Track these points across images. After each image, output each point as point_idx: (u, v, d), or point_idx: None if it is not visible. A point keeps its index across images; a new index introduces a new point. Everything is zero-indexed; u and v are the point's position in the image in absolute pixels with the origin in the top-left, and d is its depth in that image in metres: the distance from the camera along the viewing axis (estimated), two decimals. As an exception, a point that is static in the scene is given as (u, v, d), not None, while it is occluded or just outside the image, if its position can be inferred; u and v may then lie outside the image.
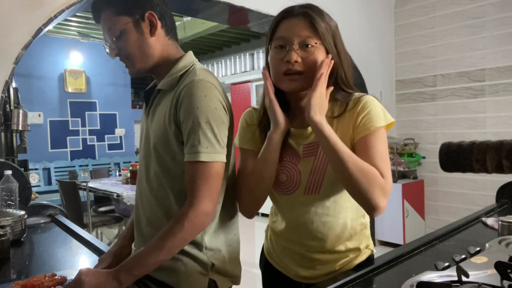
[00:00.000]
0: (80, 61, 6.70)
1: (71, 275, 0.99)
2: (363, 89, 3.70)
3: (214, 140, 0.94)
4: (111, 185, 4.09)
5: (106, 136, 7.04)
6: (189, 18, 5.81)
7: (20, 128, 2.42)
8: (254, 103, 6.10)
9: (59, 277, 0.99)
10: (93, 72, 6.83)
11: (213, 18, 3.42)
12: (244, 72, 6.44)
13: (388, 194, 0.93)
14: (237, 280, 1.10)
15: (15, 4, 2.11)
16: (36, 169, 6.16)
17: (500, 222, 1.11)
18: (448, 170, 1.69)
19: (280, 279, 1.13)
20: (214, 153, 0.94)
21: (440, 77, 4.10)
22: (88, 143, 6.85)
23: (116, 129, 7.16)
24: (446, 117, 4.09)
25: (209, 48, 7.43)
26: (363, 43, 4.05)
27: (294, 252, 1.09)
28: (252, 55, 6.40)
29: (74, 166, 6.55)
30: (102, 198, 4.34)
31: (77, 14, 4.86)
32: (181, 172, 0.99)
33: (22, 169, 1.91)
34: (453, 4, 3.95)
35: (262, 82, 1.04)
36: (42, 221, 1.73)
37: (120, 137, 7.21)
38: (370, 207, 0.93)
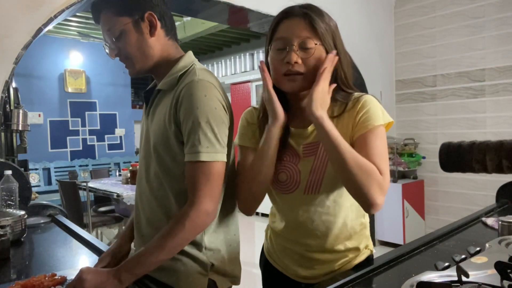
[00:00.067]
0: (80, 61, 6.70)
1: (71, 275, 0.99)
2: (363, 89, 3.70)
3: (214, 140, 0.94)
4: (111, 185, 4.09)
5: (106, 136, 7.04)
6: (189, 18, 5.81)
7: (20, 128, 2.42)
8: (254, 103, 6.10)
9: (59, 277, 0.99)
10: (93, 72, 6.83)
11: (213, 18, 3.42)
12: (244, 72, 6.44)
13: (386, 191, 0.93)
14: (236, 280, 1.10)
15: (15, 4, 2.11)
16: (36, 169, 6.16)
17: (500, 222, 1.11)
18: (448, 170, 1.70)
19: (280, 279, 1.13)
20: (214, 153, 0.94)
21: (440, 77, 4.10)
22: (88, 143, 6.85)
23: (116, 129, 7.16)
24: (446, 117, 4.09)
25: (209, 48, 7.43)
26: (363, 43, 4.05)
27: (293, 252, 1.09)
28: (252, 55, 6.40)
29: (74, 166, 6.55)
30: (102, 198, 4.34)
31: (77, 14, 4.87)
32: (181, 172, 0.99)
33: (22, 169, 1.91)
34: (453, 4, 3.95)
35: (262, 82, 1.04)
36: (42, 221, 1.73)
37: (120, 137, 7.22)
38: (367, 203, 0.93)
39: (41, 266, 1.20)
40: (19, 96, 2.52)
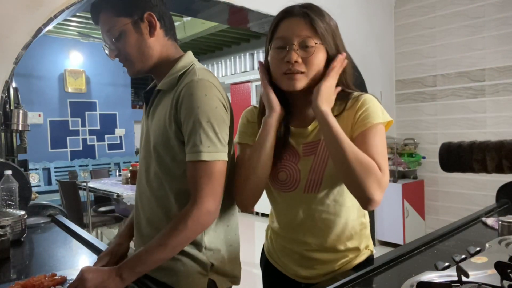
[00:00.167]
0: (80, 61, 6.70)
1: (71, 275, 1.00)
2: (363, 89, 3.70)
3: (215, 139, 0.95)
4: (111, 185, 4.10)
5: (106, 136, 7.04)
6: (189, 18, 5.81)
7: (20, 128, 2.42)
8: (254, 103, 6.09)
9: (59, 277, 0.99)
10: (93, 72, 6.82)
11: (213, 18, 3.42)
12: (244, 72, 6.44)
13: (385, 188, 0.93)
14: (236, 280, 1.10)
15: (15, 4, 2.11)
16: (36, 169, 6.16)
17: (500, 222, 1.11)
18: (448, 170, 1.69)
19: (280, 278, 1.13)
20: (215, 152, 0.94)
21: (440, 77, 4.10)
22: (88, 143, 6.85)
23: (116, 129, 7.16)
24: (446, 117, 4.09)
25: (209, 48, 7.43)
26: (363, 43, 4.05)
27: (293, 252, 1.09)
28: (252, 55, 6.40)
29: (74, 166, 6.55)
30: (102, 198, 4.35)
31: (77, 14, 4.87)
32: (181, 172, 0.99)
33: (22, 169, 1.91)
34: (453, 4, 3.95)
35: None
36: (42, 221, 1.73)
37: (120, 137, 7.21)
38: (365, 199, 0.93)
39: (41, 266, 1.20)
40: (19, 96, 2.52)
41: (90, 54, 6.72)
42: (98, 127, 6.94)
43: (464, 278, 0.75)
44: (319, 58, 0.98)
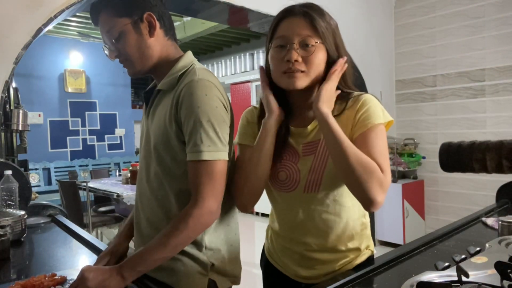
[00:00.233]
0: (80, 61, 6.70)
1: (71, 275, 1.00)
2: (363, 89, 3.70)
3: (216, 139, 0.95)
4: (111, 185, 4.09)
5: (106, 136, 7.04)
6: (189, 18, 5.81)
7: (20, 128, 2.42)
8: (254, 103, 6.10)
9: (59, 277, 0.99)
10: (93, 72, 6.82)
11: (213, 18, 3.42)
12: (244, 72, 6.44)
13: (386, 189, 0.93)
14: (237, 280, 1.10)
15: (15, 4, 2.11)
16: (36, 169, 6.16)
17: (500, 222, 1.11)
18: (448, 170, 1.69)
19: (280, 278, 1.13)
20: (216, 152, 0.94)
21: (440, 77, 4.10)
22: (88, 143, 6.85)
23: (116, 129, 7.16)
24: (446, 117, 4.09)
25: (209, 48, 7.43)
26: (363, 43, 4.05)
27: (293, 252, 1.09)
28: (252, 55, 6.40)
29: (74, 166, 6.55)
30: (102, 198, 4.35)
31: (77, 14, 4.87)
32: (182, 172, 0.99)
33: (22, 169, 1.91)
34: (453, 4, 3.95)
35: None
36: (42, 221, 1.73)
37: (120, 137, 7.21)
38: (367, 201, 0.92)
39: (41, 266, 1.20)
40: (19, 96, 2.52)
41: (90, 54, 6.72)
42: (98, 127, 6.94)
43: (464, 278, 0.75)
44: (320, 57, 0.98)
